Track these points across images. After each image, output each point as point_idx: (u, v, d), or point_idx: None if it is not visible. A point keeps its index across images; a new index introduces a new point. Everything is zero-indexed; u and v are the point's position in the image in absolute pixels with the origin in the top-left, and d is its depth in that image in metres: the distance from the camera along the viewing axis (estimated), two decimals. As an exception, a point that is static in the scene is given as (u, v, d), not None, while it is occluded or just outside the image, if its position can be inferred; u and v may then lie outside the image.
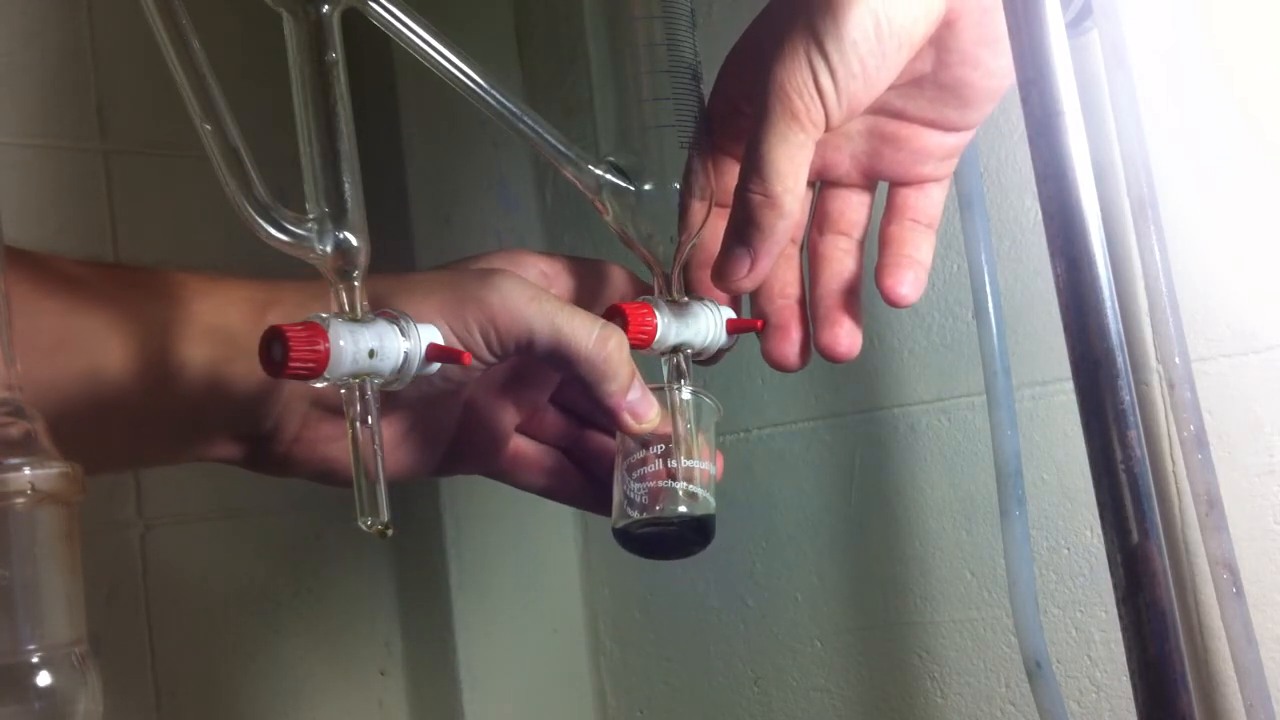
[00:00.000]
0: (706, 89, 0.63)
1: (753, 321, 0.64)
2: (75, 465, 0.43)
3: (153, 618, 0.92)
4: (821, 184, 0.65)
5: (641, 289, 0.64)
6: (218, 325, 0.58)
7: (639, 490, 0.61)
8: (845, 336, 0.62)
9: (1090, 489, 0.46)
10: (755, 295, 0.63)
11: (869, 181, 0.64)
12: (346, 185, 0.52)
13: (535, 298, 0.57)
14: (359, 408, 0.52)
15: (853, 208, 0.64)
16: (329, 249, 0.51)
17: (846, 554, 0.93)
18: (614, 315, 0.60)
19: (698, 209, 0.61)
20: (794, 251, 0.64)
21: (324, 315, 0.52)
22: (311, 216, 0.52)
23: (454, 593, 1.01)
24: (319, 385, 0.52)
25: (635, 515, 0.61)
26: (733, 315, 0.63)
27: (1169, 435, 0.76)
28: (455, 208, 1.05)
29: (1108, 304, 0.46)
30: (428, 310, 0.56)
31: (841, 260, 0.64)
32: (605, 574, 1.06)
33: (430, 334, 0.54)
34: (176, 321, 0.57)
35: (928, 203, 0.64)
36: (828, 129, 0.58)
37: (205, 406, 0.58)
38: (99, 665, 0.43)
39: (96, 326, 0.56)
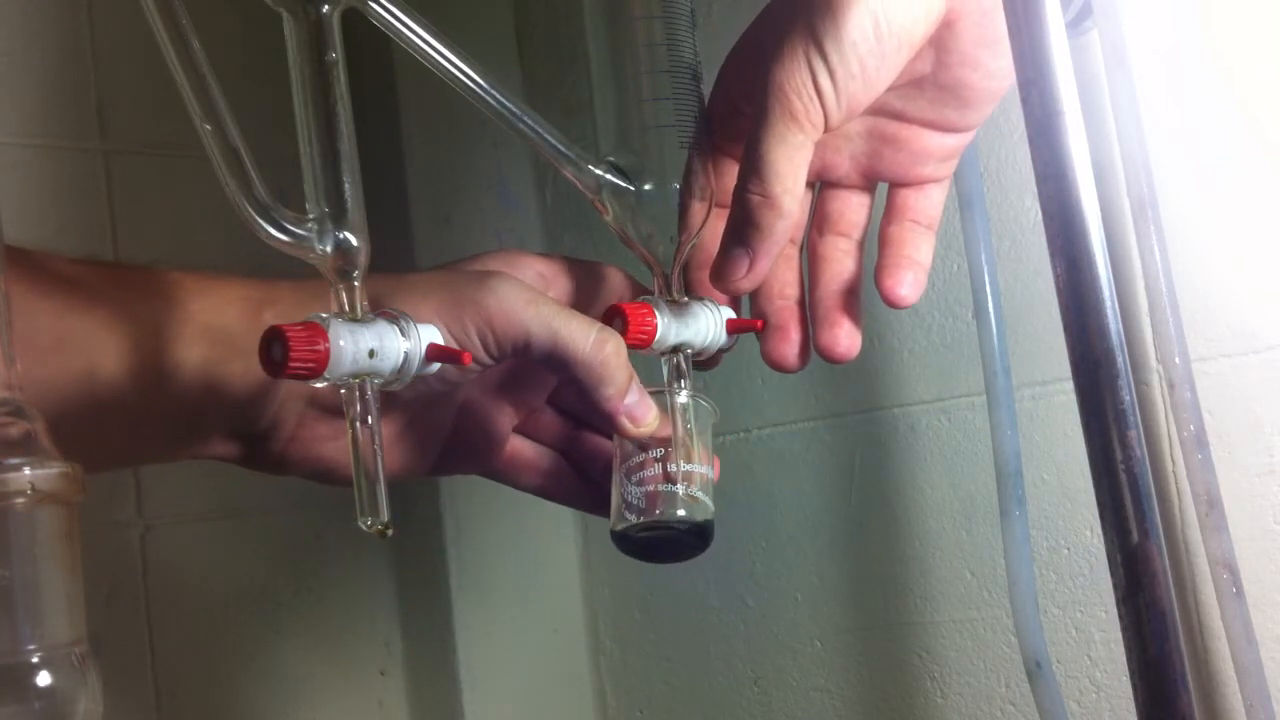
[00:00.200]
0: (706, 89, 0.63)
1: (752, 322, 0.64)
2: (75, 465, 0.43)
3: (153, 618, 0.92)
4: (821, 185, 0.65)
5: (639, 290, 0.64)
6: (214, 325, 0.58)
7: (637, 494, 0.61)
8: (845, 337, 0.62)
9: (1090, 489, 0.46)
10: (755, 296, 0.63)
11: (868, 182, 0.64)
12: (346, 185, 0.52)
13: (532, 301, 0.57)
14: (359, 408, 0.52)
15: (852, 209, 0.64)
16: (329, 249, 0.51)
17: (846, 554, 0.93)
18: (614, 315, 0.60)
19: (698, 209, 0.61)
20: (793, 252, 0.64)
21: (324, 315, 0.51)
22: (311, 216, 0.52)
23: (454, 593, 1.01)
24: (319, 385, 0.52)
25: (634, 519, 0.60)
26: (733, 315, 0.63)
27: (1169, 435, 0.76)
28: (455, 208, 1.05)
29: (1108, 304, 0.46)
30: (425, 312, 0.56)
31: (841, 261, 0.64)
32: (605, 574, 1.06)
33: (430, 334, 0.54)
34: (173, 321, 0.57)
35: (927, 204, 0.64)
36: (827, 130, 0.58)
37: (202, 406, 0.58)
38: (99, 665, 0.43)
39: (93, 326, 0.56)
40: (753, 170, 0.58)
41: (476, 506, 1.03)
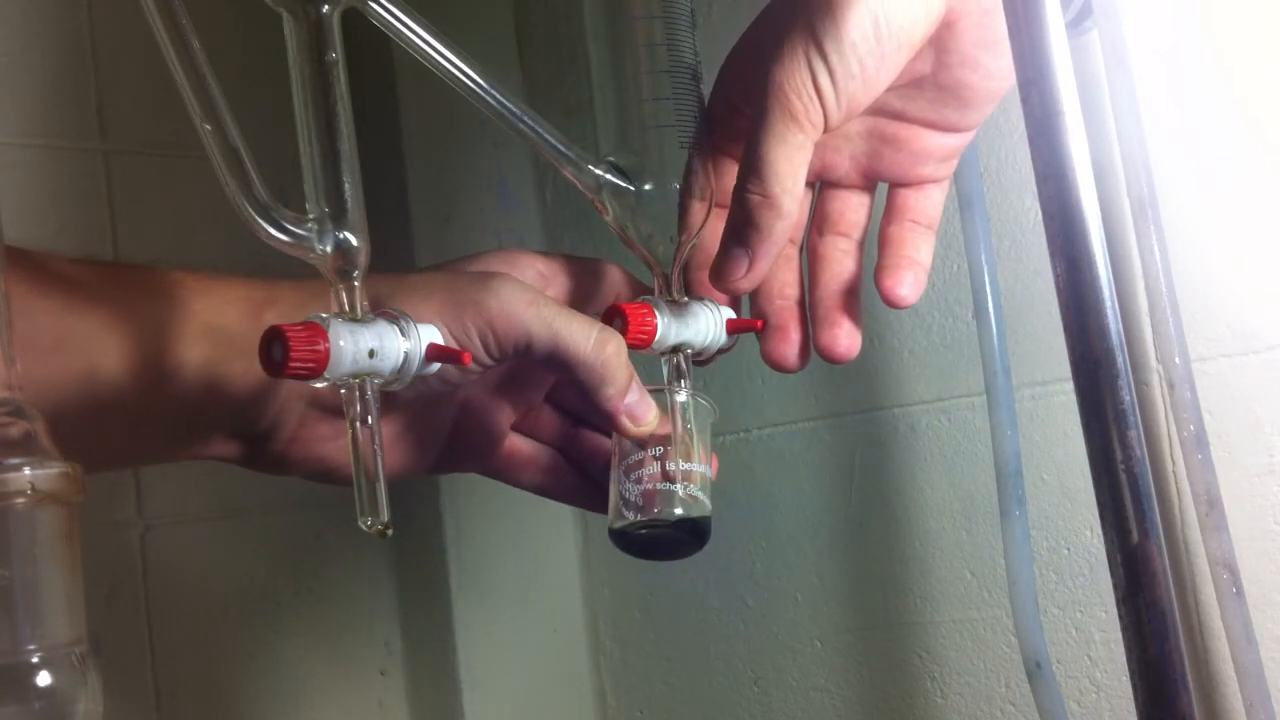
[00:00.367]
0: (706, 89, 0.63)
1: (752, 322, 0.64)
2: (75, 465, 0.43)
3: (153, 618, 0.92)
4: (821, 185, 0.65)
5: (639, 287, 0.64)
6: (214, 324, 0.58)
7: (636, 492, 0.61)
8: (844, 337, 0.62)
9: (1090, 489, 0.46)
10: (754, 296, 0.63)
11: (868, 182, 0.64)
12: (346, 185, 0.52)
13: (533, 302, 0.57)
14: (359, 408, 0.52)
15: (852, 209, 0.64)
16: (329, 249, 0.51)
17: (846, 554, 0.93)
18: (614, 315, 0.60)
19: (697, 209, 0.61)
20: (793, 252, 0.64)
21: (324, 315, 0.52)
22: (311, 216, 0.52)
23: (454, 593, 1.01)
24: (319, 385, 0.52)
25: (632, 517, 0.61)
26: (733, 315, 0.63)
27: (1169, 435, 0.76)
28: (455, 208, 1.05)
29: (1108, 304, 0.46)
30: (426, 313, 0.56)
31: (841, 261, 0.64)
32: (605, 574, 1.06)
33: (430, 334, 0.54)
34: (173, 321, 0.57)
35: (927, 204, 0.64)
36: (827, 130, 0.58)
37: (202, 406, 0.58)
38: (99, 665, 0.43)
39: (93, 326, 0.56)
40: (752, 170, 0.58)
41: (476, 506, 1.03)
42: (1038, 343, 0.82)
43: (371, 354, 0.52)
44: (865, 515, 0.91)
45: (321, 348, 0.50)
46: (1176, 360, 0.73)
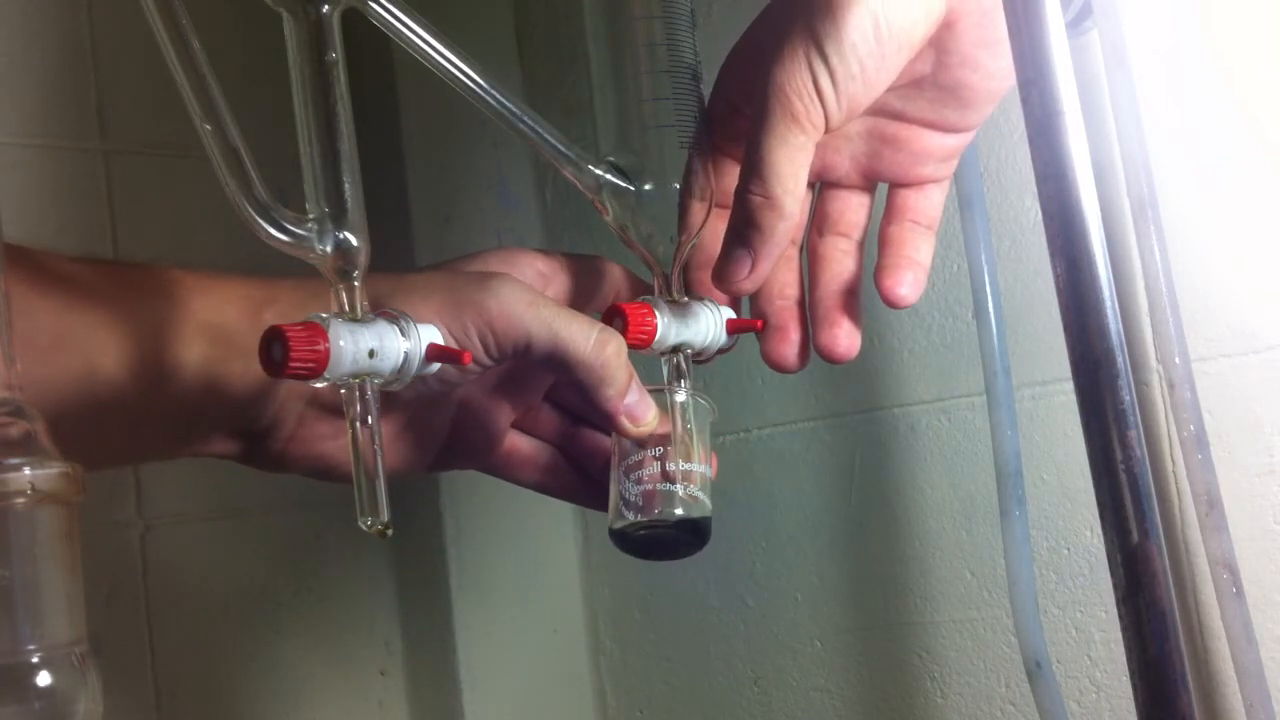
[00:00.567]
0: (706, 89, 0.63)
1: (752, 322, 0.64)
2: (75, 465, 0.43)
3: (153, 618, 0.92)
4: (821, 185, 0.65)
5: (639, 285, 0.64)
6: (214, 323, 0.58)
7: (636, 492, 0.61)
8: (844, 337, 0.62)
9: (1090, 489, 0.46)
10: (755, 296, 0.63)
11: (868, 183, 0.64)
12: (346, 185, 0.52)
13: (533, 303, 0.57)
14: (359, 408, 0.52)
15: (852, 209, 0.64)
16: (329, 249, 0.51)
17: (846, 554, 0.93)
18: (614, 315, 0.60)
19: (698, 209, 0.61)
20: (793, 253, 0.64)
21: (324, 315, 0.51)
22: (311, 216, 0.52)
23: (454, 593, 1.01)
24: (319, 385, 0.52)
25: (632, 517, 0.61)
26: (733, 315, 0.63)
27: (1169, 435, 0.76)
28: (455, 208, 1.05)
29: (1108, 304, 0.46)
30: (426, 313, 0.56)
31: (841, 261, 0.64)
32: (605, 574, 1.06)
33: (430, 334, 0.54)
34: (173, 320, 0.57)
35: (927, 204, 0.64)
36: (827, 130, 0.58)
37: (202, 405, 0.58)
38: (99, 665, 0.43)
39: (93, 325, 0.56)
40: (754, 171, 0.58)
41: (476, 506, 1.03)
42: (1038, 343, 0.82)
43: (371, 354, 0.52)
44: (865, 515, 0.91)
45: (321, 348, 0.50)
46: (1176, 360, 0.73)
